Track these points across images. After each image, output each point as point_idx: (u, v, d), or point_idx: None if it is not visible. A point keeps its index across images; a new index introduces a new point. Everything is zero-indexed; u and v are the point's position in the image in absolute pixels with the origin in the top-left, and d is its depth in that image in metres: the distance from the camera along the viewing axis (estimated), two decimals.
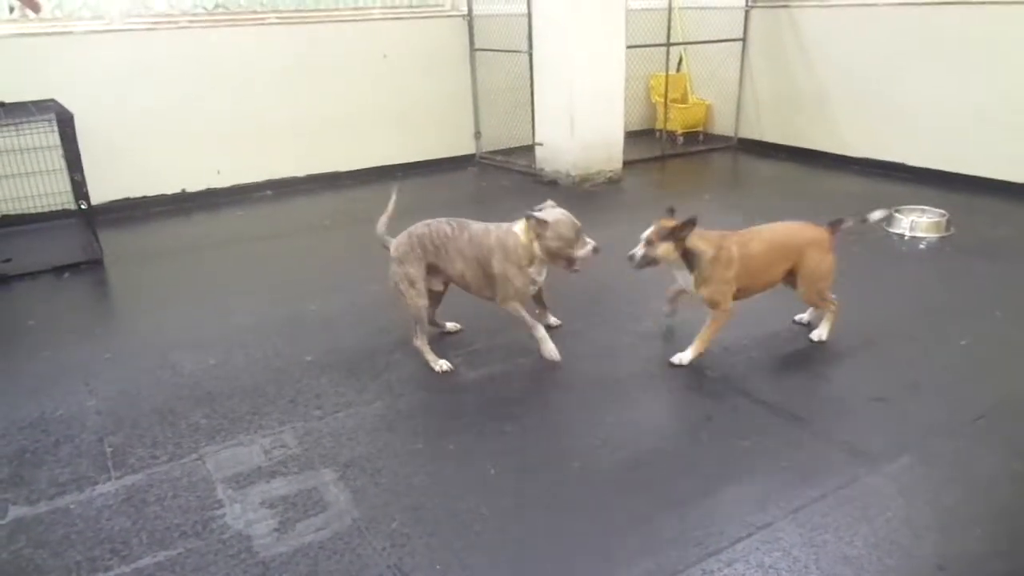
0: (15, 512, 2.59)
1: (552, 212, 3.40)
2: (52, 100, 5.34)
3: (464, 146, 7.79)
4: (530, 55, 6.84)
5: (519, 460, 2.81)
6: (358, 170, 7.21)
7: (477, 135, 7.81)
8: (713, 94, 8.51)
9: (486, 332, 3.80)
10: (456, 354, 3.58)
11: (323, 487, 2.68)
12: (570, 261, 3.39)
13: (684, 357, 3.44)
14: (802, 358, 3.56)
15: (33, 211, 5.58)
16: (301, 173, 6.95)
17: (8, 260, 4.99)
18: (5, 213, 5.60)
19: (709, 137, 8.55)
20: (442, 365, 3.46)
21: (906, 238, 5.13)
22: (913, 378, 3.32)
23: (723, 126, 8.45)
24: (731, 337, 3.72)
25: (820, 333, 3.68)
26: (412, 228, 3.53)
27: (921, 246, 5.01)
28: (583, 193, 6.65)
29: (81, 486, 2.72)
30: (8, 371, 3.63)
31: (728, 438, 2.90)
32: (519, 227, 3.42)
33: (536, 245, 3.37)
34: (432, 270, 3.51)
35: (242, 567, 2.31)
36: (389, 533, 2.43)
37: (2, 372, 3.63)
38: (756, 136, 8.10)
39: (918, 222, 5.20)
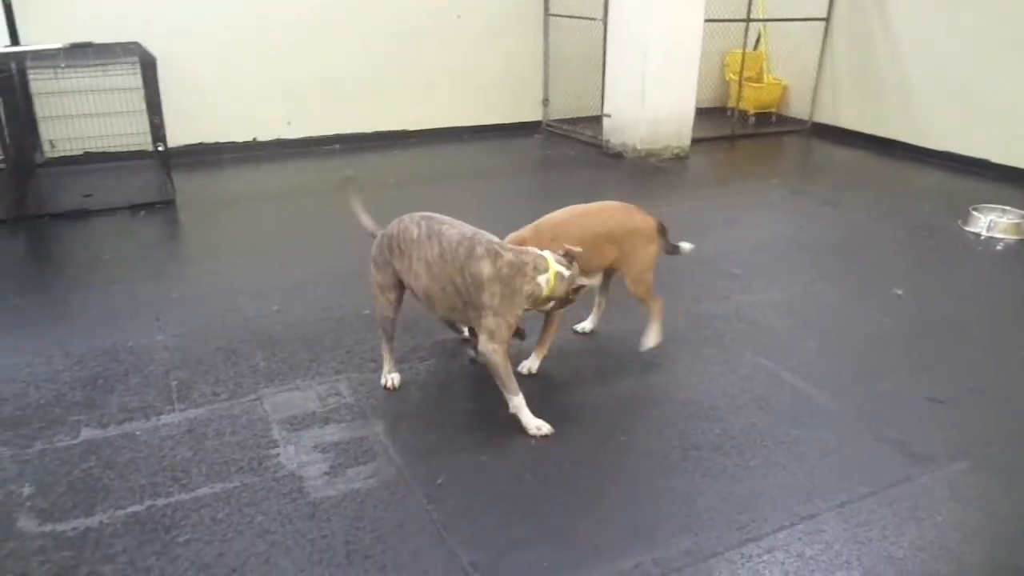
0: (87, 433, 2.73)
1: None
2: (136, 43, 5.49)
3: (531, 113, 7.76)
4: (605, 23, 6.73)
5: (565, 429, 2.83)
6: (425, 130, 7.26)
7: (545, 102, 7.76)
8: (790, 74, 8.27)
9: None
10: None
11: (373, 437, 2.76)
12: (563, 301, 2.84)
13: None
14: (863, 351, 3.49)
15: (113, 150, 5.79)
16: (369, 129, 7.03)
17: (89, 195, 5.20)
18: (88, 150, 5.83)
19: (782, 119, 8.34)
20: (391, 380, 3.07)
21: (982, 238, 4.94)
22: (975, 382, 3.23)
23: (798, 108, 8.22)
24: (792, 326, 3.68)
25: (647, 340, 3.33)
26: (393, 223, 2.91)
27: (998, 247, 4.83)
28: (648, 168, 6.58)
29: (147, 415, 2.86)
30: (86, 301, 3.81)
31: (780, 425, 2.88)
32: (548, 275, 2.70)
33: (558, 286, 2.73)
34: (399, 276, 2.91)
35: (293, 505, 2.40)
36: (434, 488, 2.49)
37: (80, 302, 3.81)
38: (831, 121, 7.86)
39: (997, 222, 5.01)
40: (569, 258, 2.81)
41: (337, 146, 6.88)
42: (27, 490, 2.44)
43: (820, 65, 7.84)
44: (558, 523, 2.36)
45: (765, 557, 2.23)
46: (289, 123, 6.69)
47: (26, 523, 2.30)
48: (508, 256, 2.69)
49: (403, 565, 2.17)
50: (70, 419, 2.82)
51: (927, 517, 2.41)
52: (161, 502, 2.40)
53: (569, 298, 2.84)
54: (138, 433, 2.75)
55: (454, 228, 2.80)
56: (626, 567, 2.18)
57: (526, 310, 2.80)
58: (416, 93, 7.14)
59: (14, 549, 2.20)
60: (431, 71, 7.13)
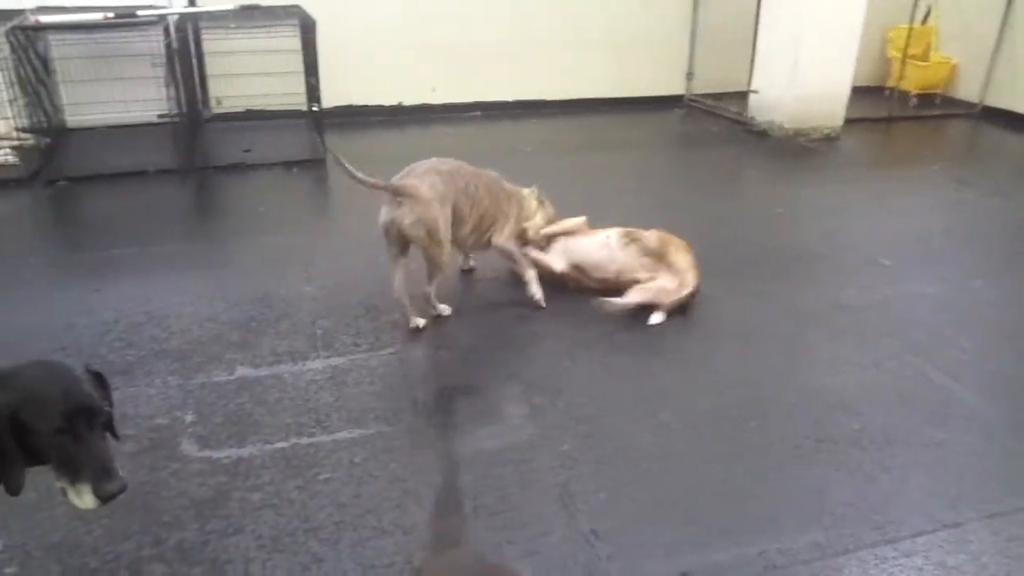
0: (241, 371, 2.95)
1: None
2: (297, 6, 5.75)
3: (674, 86, 7.56)
4: None
5: (694, 410, 2.80)
6: (563, 100, 7.23)
7: (689, 76, 7.54)
8: (960, 52, 7.62)
9: None
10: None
11: (503, 400, 2.83)
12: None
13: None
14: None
15: (271, 108, 6.13)
16: (509, 98, 7.08)
17: (248, 151, 5.54)
18: (249, 108, 6.20)
19: (948, 101, 7.71)
20: (447, 309, 3.40)
21: None
22: None
23: (967, 90, 7.58)
24: (945, 322, 3.45)
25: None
26: (428, 165, 3.25)
27: None
28: (795, 148, 6.28)
29: (295, 359, 3.05)
30: (243, 249, 4.10)
31: (926, 425, 2.72)
32: (528, 192, 3.67)
33: (540, 215, 3.64)
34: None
35: (424, 458, 2.51)
36: (560, 454, 2.53)
37: (238, 250, 4.11)
38: (1006, 105, 7.19)
39: None
40: None
41: (478, 113, 6.98)
42: (189, 417, 2.67)
43: (998, 41, 7.17)
44: (683, 502, 2.35)
45: (902, 561, 2.13)
46: (434, 89, 6.84)
47: (188, 447, 2.52)
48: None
49: (525, 525, 2.23)
50: (227, 357, 3.05)
51: None
52: (304, 441, 2.57)
53: None
54: (286, 375, 2.94)
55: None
56: (750, 553, 2.14)
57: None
58: (558, 63, 7.10)
59: (177, 469, 2.42)
60: (573, 41, 7.07)
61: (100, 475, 1.54)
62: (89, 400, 1.58)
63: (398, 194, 3.11)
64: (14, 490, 1.51)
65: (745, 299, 3.59)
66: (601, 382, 2.96)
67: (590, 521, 2.24)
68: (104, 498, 1.55)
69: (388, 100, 6.78)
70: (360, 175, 3.09)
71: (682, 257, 3.49)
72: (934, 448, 2.61)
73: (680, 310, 3.44)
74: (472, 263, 3.88)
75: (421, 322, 3.30)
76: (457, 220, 3.28)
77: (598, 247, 3.56)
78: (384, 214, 3.16)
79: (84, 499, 1.55)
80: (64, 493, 1.56)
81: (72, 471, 1.54)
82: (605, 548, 2.15)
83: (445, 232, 3.20)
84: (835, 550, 2.17)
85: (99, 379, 1.67)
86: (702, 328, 3.39)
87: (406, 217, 3.09)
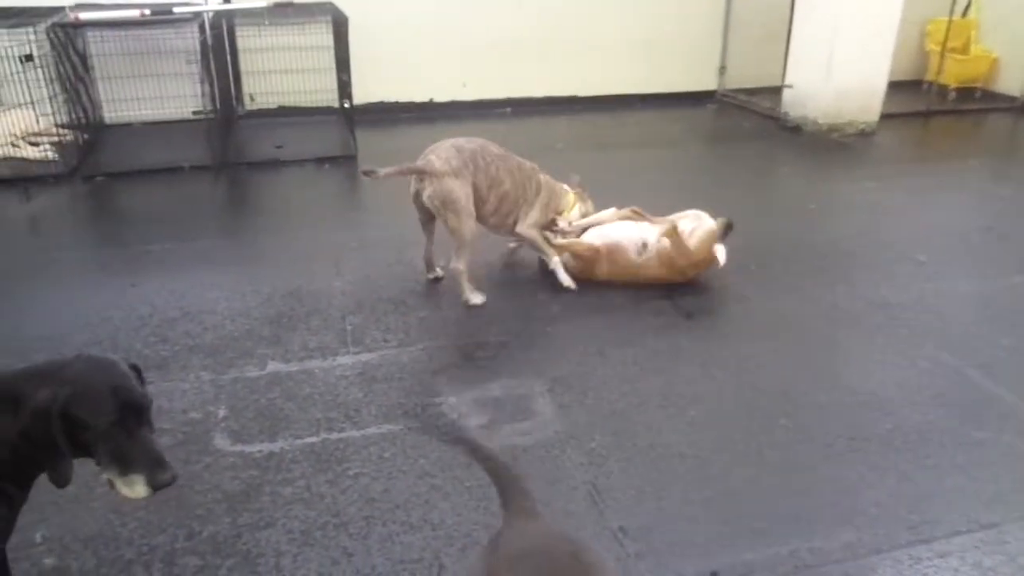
0: (272, 367, 2.99)
1: None
2: (330, 3, 5.79)
3: (706, 81, 7.47)
4: None
5: (724, 408, 2.78)
6: (594, 96, 7.19)
7: (721, 70, 7.45)
8: (1002, 45, 7.43)
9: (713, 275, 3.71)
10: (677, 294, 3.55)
11: (532, 397, 2.82)
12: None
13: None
14: None
15: (303, 105, 6.18)
16: (540, 94, 7.06)
17: (281, 147, 5.60)
18: (282, 104, 6.26)
19: (988, 95, 7.54)
20: (479, 298, 3.47)
21: None
22: None
23: (1008, 84, 7.40)
24: (983, 320, 3.38)
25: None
26: (452, 143, 3.43)
27: None
28: (829, 143, 6.18)
29: (325, 355, 3.07)
30: (275, 245, 4.14)
31: (962, 425, 2.67)
32: (566, 186, 3.76)
33: (579, 208, 3.73)
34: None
35: (452, 453, 2.50)
36: (588, 451, 2.53)
37: (270, 245, 4.15)
38: None
39: None
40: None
41: (508, 109, 6.98)
42: (222, 412, 2.71)
43: None
44: (712, 500, 2.33)
45: (936, 561, 2.10)
46: (465, 85, 6.85)
47: (221, 441, 2.56)
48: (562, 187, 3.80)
49: (554, 521, 2.22)
50: (258, 352, 3.09)
51: None
52: (335, 436, 2.59)
53: None
54: (316, 371, 2.97)
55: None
56: (782, 552, 2.12)
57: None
58: (588, 58, 7.06)
59: (210, 463, 2.46)
60: (605, 36, 7.02)
61: (154, 467, 1.57)
62: (137, 395, 1.60)
63: (418, 173, 3.37)
64: (63, 483, 1.53)
65: (778, 296, 3.56)
66: (630, 379, 2.94)
67: (619, 518, 2.24)
68: (157, 488, 1.58)
69: (419, 96, 6.80)
70: (384, 170, 3.32)
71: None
72: (970, 448, 2.56)
73: (708, 309, 3.41)
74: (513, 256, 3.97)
75: (440, 271, 3.67)
76: (477, 198, 3.42)
77: (639, 228, 3.56)
78: (412, 188, 3.46)
79: (136, 489, 1.57)
80: (111, 484, 1.58)
81: (124, 464, 1.56)
82: (634, 546, 2.14)
83: (466, 203, 3.34)
84: (868, 549, 2.14)
85: (136, 373, 1.69)
86: (733, 325, 3.37)
87: (424, 191, 3.35)
